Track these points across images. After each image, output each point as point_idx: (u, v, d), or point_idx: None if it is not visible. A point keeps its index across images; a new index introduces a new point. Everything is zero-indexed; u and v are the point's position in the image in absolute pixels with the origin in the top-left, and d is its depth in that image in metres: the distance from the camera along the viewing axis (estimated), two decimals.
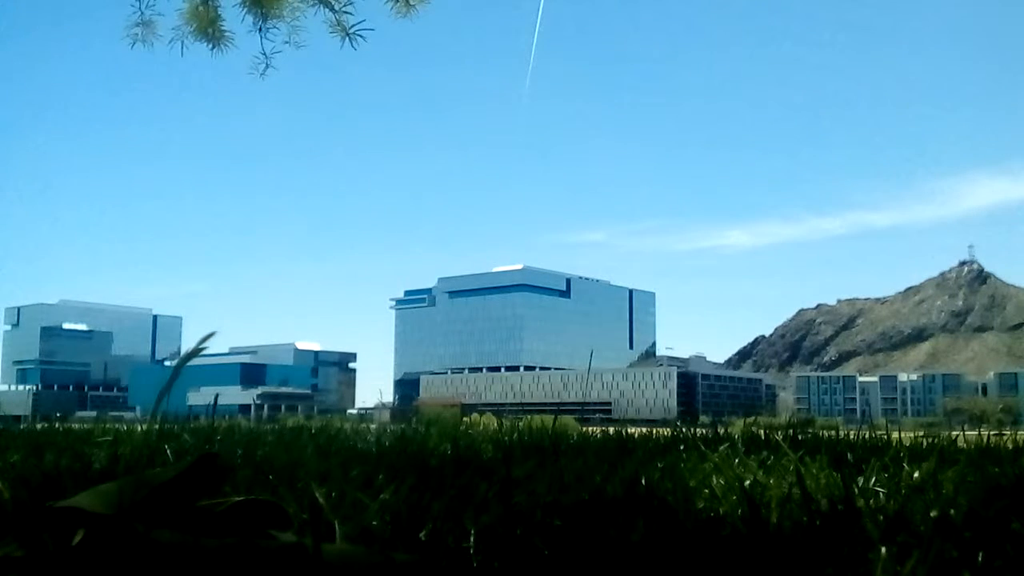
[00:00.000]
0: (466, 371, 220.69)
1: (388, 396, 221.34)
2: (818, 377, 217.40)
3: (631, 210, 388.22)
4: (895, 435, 4.71)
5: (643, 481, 2.60)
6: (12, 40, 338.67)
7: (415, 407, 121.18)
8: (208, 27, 6.42)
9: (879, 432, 4.84)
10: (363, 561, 1.51)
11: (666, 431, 5.94)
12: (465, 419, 14.16)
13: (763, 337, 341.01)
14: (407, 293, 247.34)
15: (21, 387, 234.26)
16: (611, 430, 6.15)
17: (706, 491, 2.48)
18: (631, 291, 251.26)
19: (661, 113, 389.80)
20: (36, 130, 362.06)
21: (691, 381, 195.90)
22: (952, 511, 2.06)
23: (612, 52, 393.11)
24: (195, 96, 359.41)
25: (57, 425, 8.70)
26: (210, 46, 6.49)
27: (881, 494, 2.42)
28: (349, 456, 3.77)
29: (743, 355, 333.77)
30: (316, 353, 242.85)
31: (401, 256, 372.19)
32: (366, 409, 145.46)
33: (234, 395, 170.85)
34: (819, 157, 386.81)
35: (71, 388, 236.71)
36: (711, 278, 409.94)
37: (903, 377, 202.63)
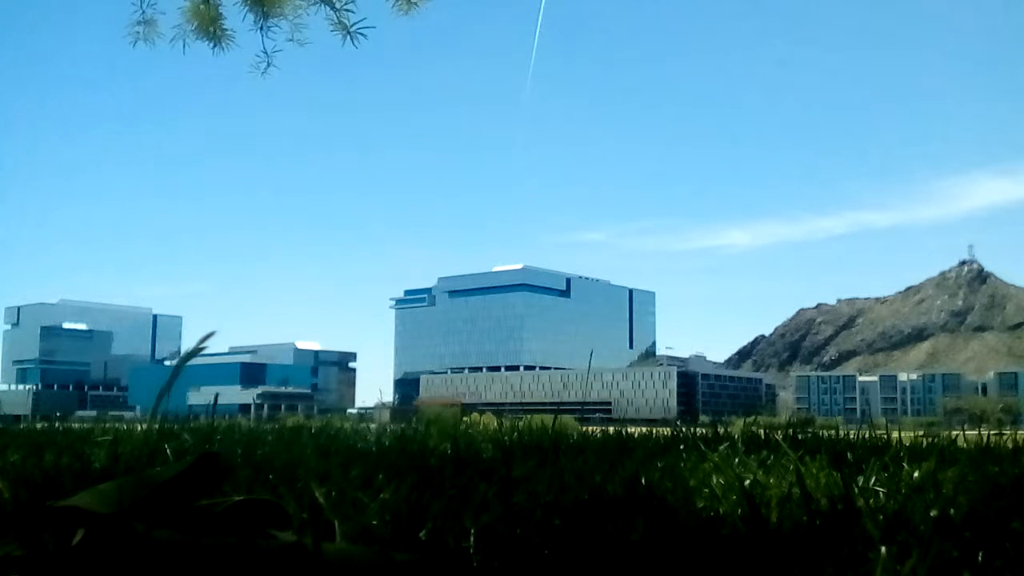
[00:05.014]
0: (466, 371, 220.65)
1: (388, 396, 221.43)
2: (818, 377, 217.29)
3: (631, 210, 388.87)
4: (895, 435, 4.71)
5: (643, 481, 2.61)
6: (12, 39, 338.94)
7: (415, 407, 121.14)
8: (209, 25, 6.42)
9: (879, 432, 4.85)
10: (363, 560, 1.51)
11: (666, 431, 5.95)
12: (465, 419, 14.14)
13: (763, 337, 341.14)
14: (407, 293, 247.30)
15: (21, 386, 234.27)
16: (611, 430, 6.16)
17: (706, 491, 2.49)
18: (631, 291, 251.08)
19: (661, 113, 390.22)
20: (36, 129, 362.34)
21: (691, 381, 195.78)
22: (952, 511, 2.06)
23: (612, 52, 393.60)
24: (196, 95, 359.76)
25: (57, 424, 8.72)
26: (211, 44, 6.48)
27: (881, 494, 2.42)
28: (349, 456, 3.78)
29: (743, 355, 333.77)
30: (316, 353, 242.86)
31: (401, 256, 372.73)
32: (366, 409, 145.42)
33: (234, 395, 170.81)
34: (819, 157, 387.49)
35: (71, 388, 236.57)
36: (711, 278, 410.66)
37: (903, 377, 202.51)
